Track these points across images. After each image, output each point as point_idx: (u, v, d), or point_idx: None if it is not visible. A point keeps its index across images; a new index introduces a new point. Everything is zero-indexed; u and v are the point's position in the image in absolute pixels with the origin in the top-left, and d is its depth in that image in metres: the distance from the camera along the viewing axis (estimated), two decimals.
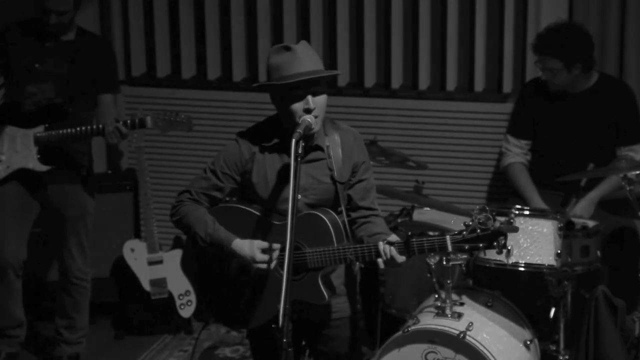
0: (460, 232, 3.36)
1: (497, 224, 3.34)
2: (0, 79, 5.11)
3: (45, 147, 4.81)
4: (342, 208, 3.59)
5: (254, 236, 3.56)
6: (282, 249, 3.43)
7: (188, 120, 4.79)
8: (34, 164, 4.82)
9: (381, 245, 3.41)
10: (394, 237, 3.46)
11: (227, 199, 3.70)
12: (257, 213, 3.59)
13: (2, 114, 4.88)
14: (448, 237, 3.36)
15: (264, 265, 3.51)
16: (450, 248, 3.35)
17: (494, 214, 3.37)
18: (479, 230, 3.33)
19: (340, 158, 3.58)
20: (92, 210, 5.06)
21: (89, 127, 4.75)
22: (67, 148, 4.88)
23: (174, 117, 4.76)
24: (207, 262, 3.68)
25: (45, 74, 4.82)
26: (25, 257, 4.99)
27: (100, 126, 4.73)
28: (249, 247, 3.52)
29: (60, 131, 4.78)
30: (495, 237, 3.34)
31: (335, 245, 3.47)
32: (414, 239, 3.38)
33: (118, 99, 5.12)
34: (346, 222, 3.60)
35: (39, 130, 4.81)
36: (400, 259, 3.39)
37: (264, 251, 3.51)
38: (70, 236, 5.00)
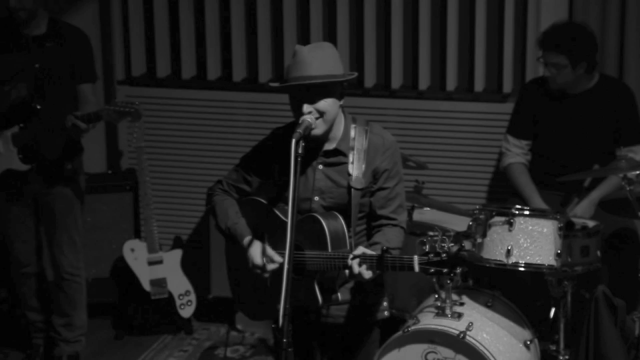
0: (427, 254, 3.37)
1: (455, 249, 3.37)
2: None
3: (24, 146, 4.81)
4: (353, 216, 3.58)
5: (269, 232, 3.61)
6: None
7: (136, 111, 4.75)
8: (17, 164, 4.82)
9: (349, 258, 3.42)
10: (359, 250, 3.45)
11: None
12: (276, 210, 3.65)
13: None
14: (416, 258, 3.37)
15: (260, 271, 3.56)
16: (417, 269, 3.37)
17: (461, 241, 3.41)
18: (443, 255, 3.36)
19: (362, 163, 3.57)
20: (80, 204, 5.05)
21: (54, 123, 4.75)
22: (46, 144, 4.84)
23: (122, 107, 4.74)
24: (236, 253, 3.72)
25: (18, 72, 4.78)
26: (34, 257, 5.08)
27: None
28: (256, 250, 3.56)
29: (32, 129, 4.78)
30: (457, 264, 3.36)
31: (330, 251, 3.48)
32: (388, 255, 3.39)
33: (97, 88, 5.10)
34: (352, 229, 3.59)
35: (14, 130, 4.81)
36: (366, 274, 3.39)
37: (265, 258, 3.53)
38: (59, 231, 4.99)
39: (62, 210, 4.97)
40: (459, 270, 3.37)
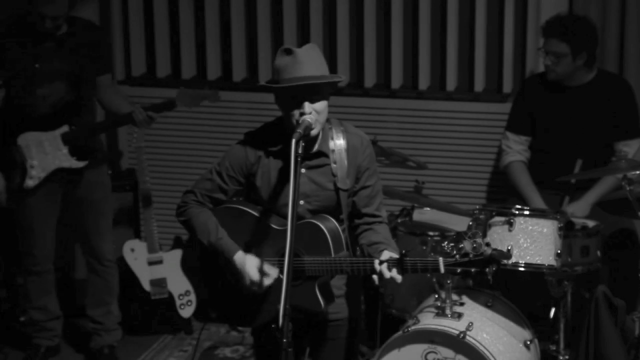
0: (453, 255, 3.37)
1: (489, 251, 3.36)
2: None
3: (75, 144, 4.85)
4: (344, 216, 3.57)
5: (253, 240, 3.57)
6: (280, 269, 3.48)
7: (213, 91, 4.86)
8: (70, 162, 4.87)
9: (376, 263, 3.41)
10: (386, 254, 3.44)
11: (234, 199, 3.70)
12: (259, 216, 3.58)
13: (14, 122, 4.84)
14: (441, 260, 3.36)
15: (255, 287, 3.54)
16: (442, 270, 3.37)
17: (486, 240, 3.39)
18: (471, 255, 3.35)
19: (344, 163, 3.54)
20: (111, 194, 5.15)
21: (117, 118, 4.88)
22: (93, 139, 4.97)
23: (199, 92, 4.82)
24: (211, 261, 3.67)
25: (52, 74, 4.79)
26: (53, 252, 5.10)
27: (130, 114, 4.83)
28: (248, 265, 3.53)
29: (89, 126, 4.88)
30: (488, 264, 3.36)
31: (333, 255, 3.46)
32: (407, 258, 3.39)
33: (111, 78, 5.15)
34: (346, 231, 3.58)
35: (64, 129, 4.83)
36: (398, 278, 3.40)
37: (260, 272, 3.51)
38: (98, 219, 5.05)
39: (99, 197, 5.04)
40: (490, 269, 3.35)
